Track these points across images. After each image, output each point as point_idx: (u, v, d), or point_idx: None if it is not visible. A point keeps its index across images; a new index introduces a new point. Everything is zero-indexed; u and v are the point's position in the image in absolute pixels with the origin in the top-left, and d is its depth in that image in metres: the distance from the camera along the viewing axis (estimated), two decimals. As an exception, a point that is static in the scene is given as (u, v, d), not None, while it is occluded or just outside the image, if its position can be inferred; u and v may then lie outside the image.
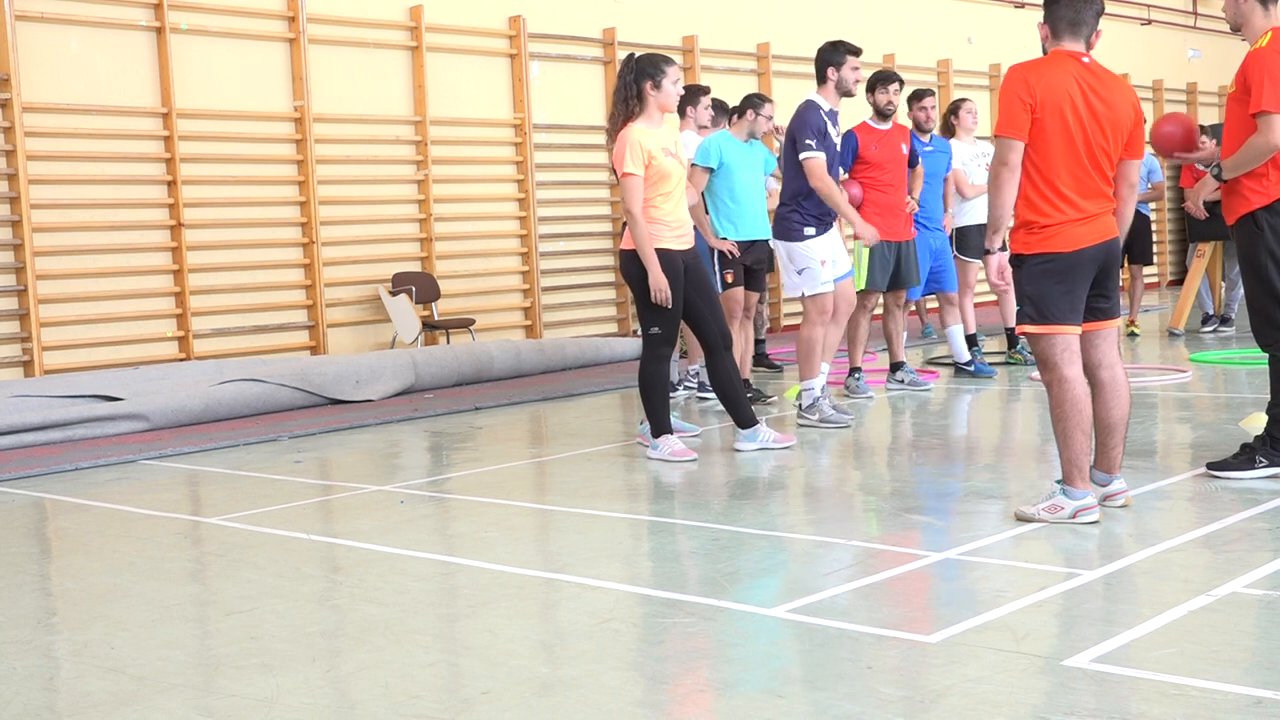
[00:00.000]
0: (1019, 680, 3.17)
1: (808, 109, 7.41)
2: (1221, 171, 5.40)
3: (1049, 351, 4.72)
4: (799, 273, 7.42)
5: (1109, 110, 4.70)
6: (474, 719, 3.08)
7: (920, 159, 8.94)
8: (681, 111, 8.36)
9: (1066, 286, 4.69)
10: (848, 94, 7.51)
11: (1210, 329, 11.88)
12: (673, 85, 6.42)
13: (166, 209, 10.11)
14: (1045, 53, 4.88)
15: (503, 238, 12.27)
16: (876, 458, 6.62)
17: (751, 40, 13.94)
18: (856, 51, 7.47)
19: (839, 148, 7.55)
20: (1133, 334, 11.76)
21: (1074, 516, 4.71)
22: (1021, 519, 4.82)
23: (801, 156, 7.27)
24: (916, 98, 9.39)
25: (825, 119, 7.37)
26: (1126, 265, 12.05)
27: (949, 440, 7.12)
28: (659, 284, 6.31)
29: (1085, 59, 4.74)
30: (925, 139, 9.25)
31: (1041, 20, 4.84)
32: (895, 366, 8.80)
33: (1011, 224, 4.87)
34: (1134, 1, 18.56)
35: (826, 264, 7.37)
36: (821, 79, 7.47)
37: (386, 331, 11.25)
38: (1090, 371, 4.88)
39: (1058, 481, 4.82)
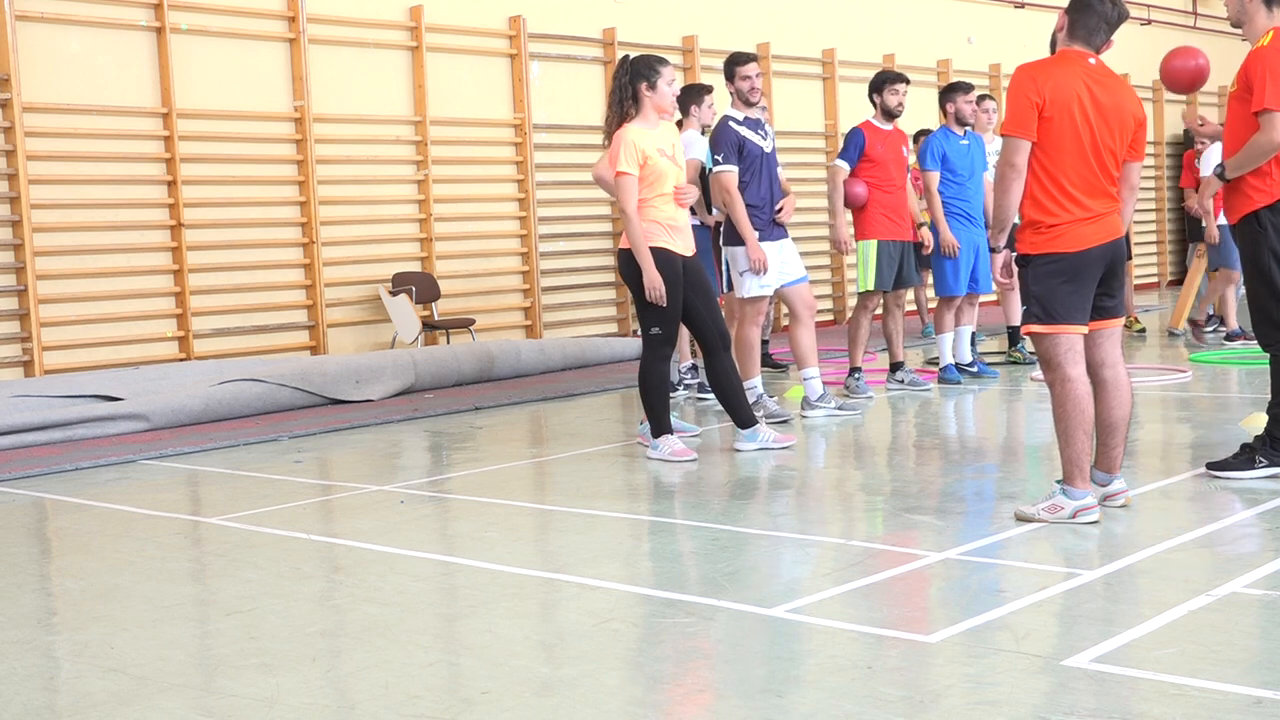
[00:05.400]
0: (1019, 680, 3.17)
1: (721, 125, 7.61)
2: (1225, 171, 5.40)
3: (1053, 351, 4.72)
4: (739, 274, 7.53)
5: (1115, 110, 4.73)
6: (474, 719, 3.08)
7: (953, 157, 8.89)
8: (685, 110, 8.39)
9: (1073, 286, 4.70)
10: (749, 102, 7.63)
11: (1210, 329, 11.88)
12: (668, 86, 6.42)
13: (166, 209, 10.11)
14: (1054, 41, 4.90)
15: (503, 238, 12.27)
16: (876, 458, 6.62)
17: (751, 40, 13.93)
18: (746, 60, 7.69)
19: (766, 152, 7.56)
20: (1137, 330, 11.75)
21: (1074, 516, 4.71)
22: (1021, 519, 4.82)
23: (715, 171, 7.46)
24: (963, 91, 9.10)
25: (740, 130, 7.47)
26: None
27: (949, 440, 7.12)
28: (653, 282, 6.31)
29: (1092, 60, 4.77)
30: (960, 132, 9.07)
31: (1064, 12, 4.85)
32: (895, 366, 8.80)
33: (1017, 223, 4.88)
34: (1134, 1, 18.56)
35: (767, 270, 7.41)
36: (730, 93, 7.69)
37: (386, 331, 11.25)
38: (1093, 370, 4.89)
39: (1058, 481, 4.82)
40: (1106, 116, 4.71)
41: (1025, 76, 4.72)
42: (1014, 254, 4.93)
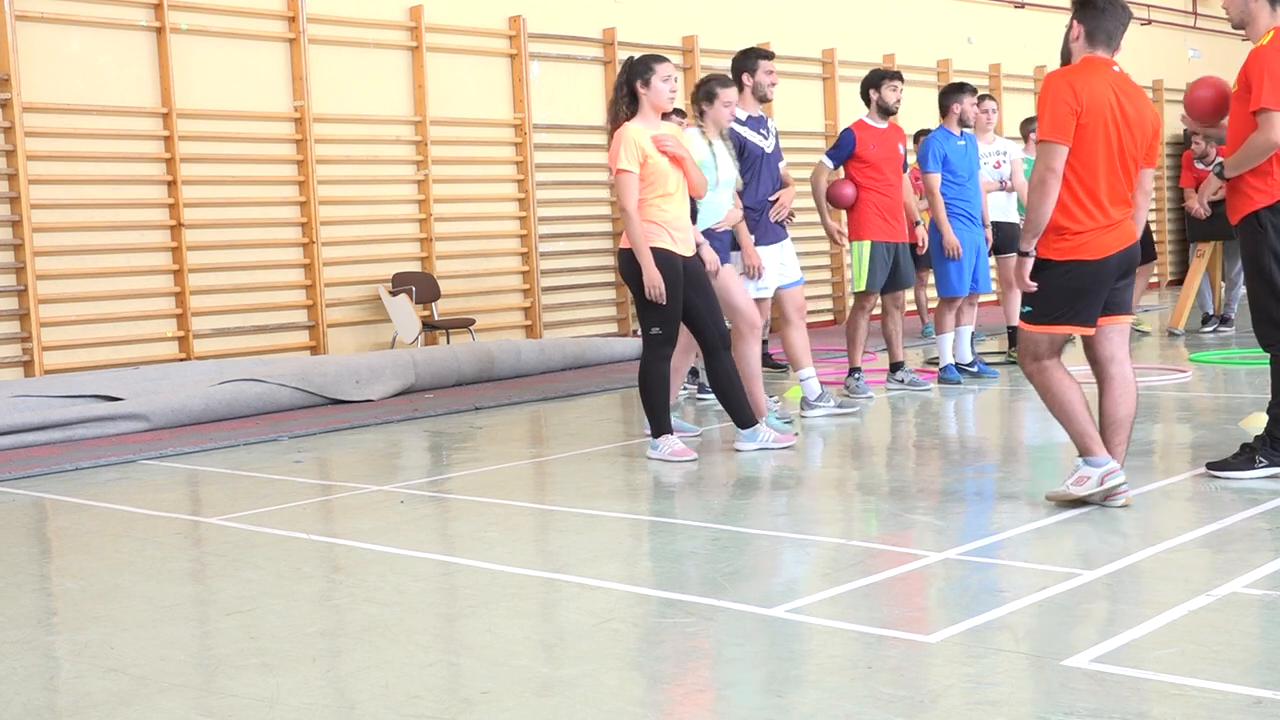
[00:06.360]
0: (1019, 680, 3.17)
1: None
2: (1224, 169, 5.41)
3: (1039, 346, 4.83)
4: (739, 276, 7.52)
5: (1138, 119, 4.82)
6: (474, 719, 3.08)
7: (951, 159, 8.87)
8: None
9: (1087, 291, 4.75)
10: (764, 99, 7.64)
11: (1210, 329, 11.88)
12: (663, 82, 6.42)
13: (166, 209, 10.11)
14: (1067, 50, 4.91)
15: (503, 238, 12.27)
16: (876, 457, 6.62)
17: (751, 40, 13.90)
18: (769, 56, 7.64)
19: (766, 153, 7.54)
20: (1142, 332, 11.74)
21: (1102, 482, 4.76)
22: (1053, 500, 4.89)
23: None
24: (969, 92, 9.05)
25: (741, 131, 7.45)
26: None
27: (949, 440, 7.12)
28: (652, 280, 6.30)
29: (1115, 68, 4.80)
30: (958, 133, 8.99)
31: (1076, 21, 4.86)
32: (895, 366, 8.80)
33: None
34: (1134, 1, 18.55)
35: (765, 272, 7.43)
36: (739, 86, 7.57)
37: (386, 331, 11.25)
38: (1101, 366, 4.94)
39: (1080, 457, 4.86)
40: (1131, 125, 4.78)
41: (1062, 83, 4.74)
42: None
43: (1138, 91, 4.86)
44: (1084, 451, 4.83)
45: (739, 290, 7.09)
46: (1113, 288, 4.87)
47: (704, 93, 7.14)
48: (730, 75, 7.48)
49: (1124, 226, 4.83)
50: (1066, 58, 4.96)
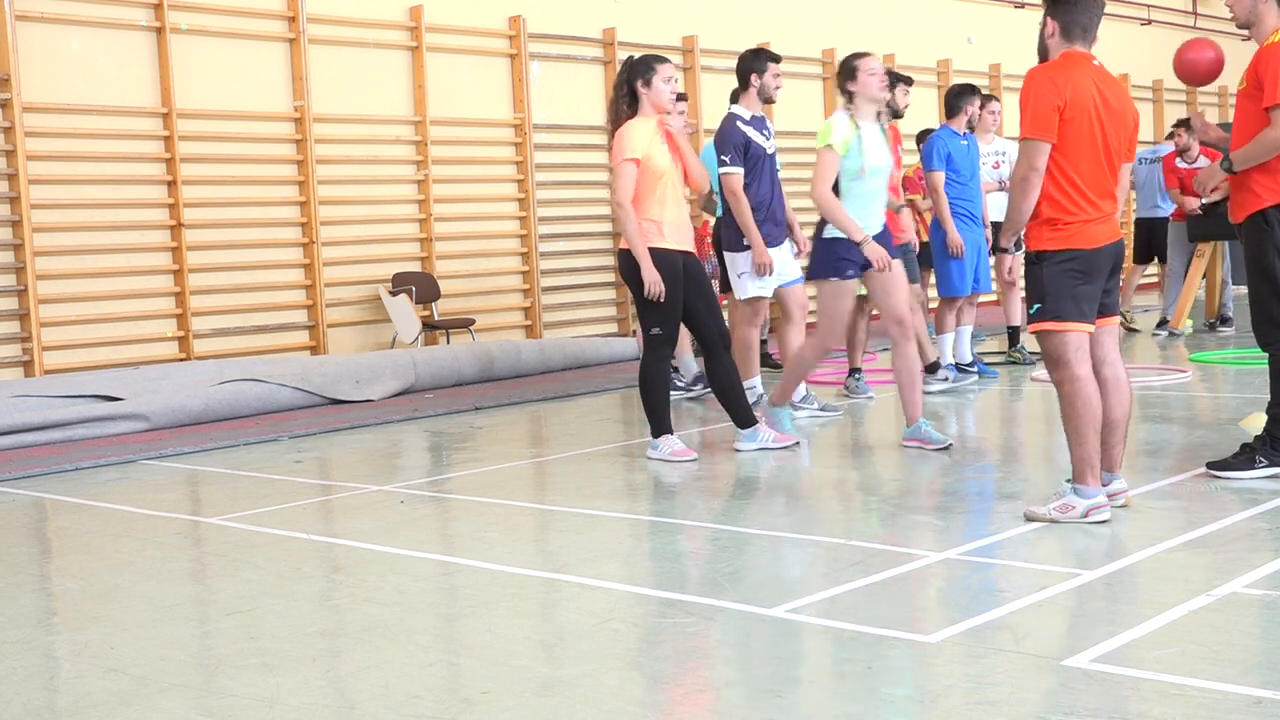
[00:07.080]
0: (1019, 680, 3.17)
1: (727, 123, 7.55)
2: (1231, 164, 5.40)
3: (1062, 350, 4.73)
4: (738, 276, 7.56)
5: (1120, 112, 4.80)
6: (474, 719, 3.08)
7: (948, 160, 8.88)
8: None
9: (1085, 284, 4.73)
10: (769, 100, 7.63)
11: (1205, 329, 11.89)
12: (664, 83, 6.42)
13: (166, 209, 10.10)
14: (1045, 48, 4.90)
15: (503, 238, 12.27)
16: (877, 457, 6.61)
17: (752, 40, 13.88)
18: (778, 59, 7.66)
19: (768, 153, 7.56)
20: (1172, 332, 11.71)
21: (1086, 516, 4.71)
22: (1031, 519, 4.81)
23: (721, 172, 7.44)
24: (982, 97, 9.09)
25: (746, 130, 7.46)
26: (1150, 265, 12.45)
27: (949, 440, 7.11)
28: (651, 278, 6.30)
29: (1095, 61, 4.80)
30: (963, 132, 8.99)
31: (1050, 17, 4.85)
32: (930, 368, 8.72)
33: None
34: (1134, 1, 18.56)
35: (772, 273, 7.46)
36: (744, 85, 7.58)
37: (386, 331, 11.25)
38: (1094, 368, 4.91)
39: (1068, 480, 4.82)
40: (1114, 118, 4.77)
41: (1045, 79, 4.72)
42: (1024, 252, 4.93)
43: (1118, 85, 4.86)
44: (1078, 478, 4.75)
45: (903, 293, 6.66)
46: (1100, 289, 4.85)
47: (846, 71, 6.58)
48: (744, 70, 7.49)
49: (1112, 221, 4.82)
50: (1043, 54, 4.94)
